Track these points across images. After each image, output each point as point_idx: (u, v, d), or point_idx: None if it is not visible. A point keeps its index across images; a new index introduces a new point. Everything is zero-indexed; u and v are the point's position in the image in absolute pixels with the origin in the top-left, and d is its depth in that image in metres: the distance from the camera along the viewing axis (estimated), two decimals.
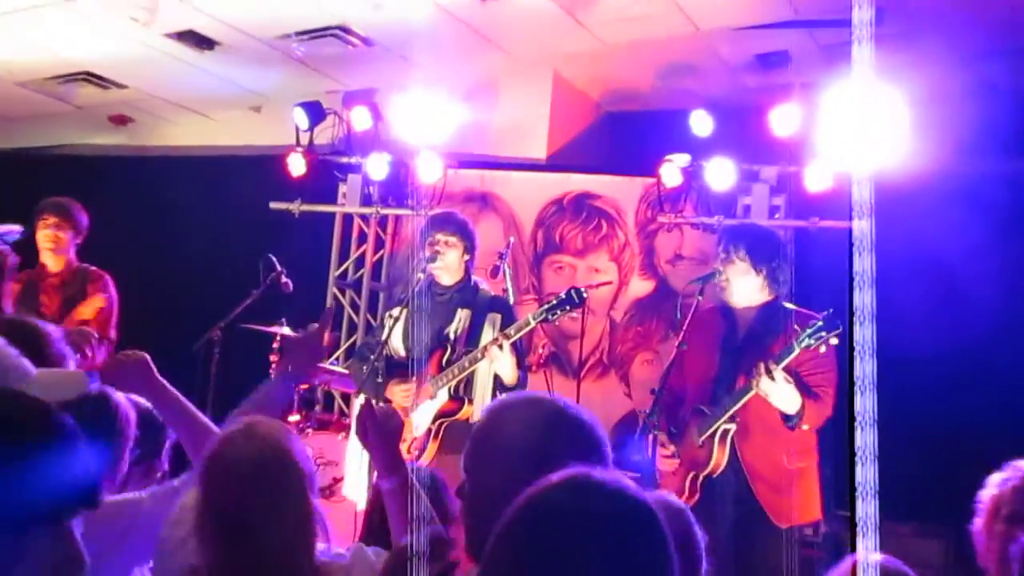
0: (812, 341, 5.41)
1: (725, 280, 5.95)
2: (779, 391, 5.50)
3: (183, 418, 3.54)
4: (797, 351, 5.46)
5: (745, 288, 5.95)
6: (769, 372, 5.43)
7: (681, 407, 6.04)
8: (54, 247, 7.57)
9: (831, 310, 5.40)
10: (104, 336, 7.33)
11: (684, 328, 5.86)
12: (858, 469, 1.82)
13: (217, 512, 2.97)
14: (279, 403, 3.76)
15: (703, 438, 5.79)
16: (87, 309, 7.33)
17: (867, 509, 1.81)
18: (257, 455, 3.01)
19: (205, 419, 3.58)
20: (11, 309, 7.44)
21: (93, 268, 7.70)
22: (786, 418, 5.61)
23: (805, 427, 5.62)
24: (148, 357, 3.62)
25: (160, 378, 3.60)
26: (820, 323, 5.40)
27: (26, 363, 2.69)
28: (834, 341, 5.34)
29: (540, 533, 2.01)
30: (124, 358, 3.64)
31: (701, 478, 5.80)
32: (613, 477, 2.09)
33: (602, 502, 2.02)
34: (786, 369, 5.49)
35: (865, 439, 1.82)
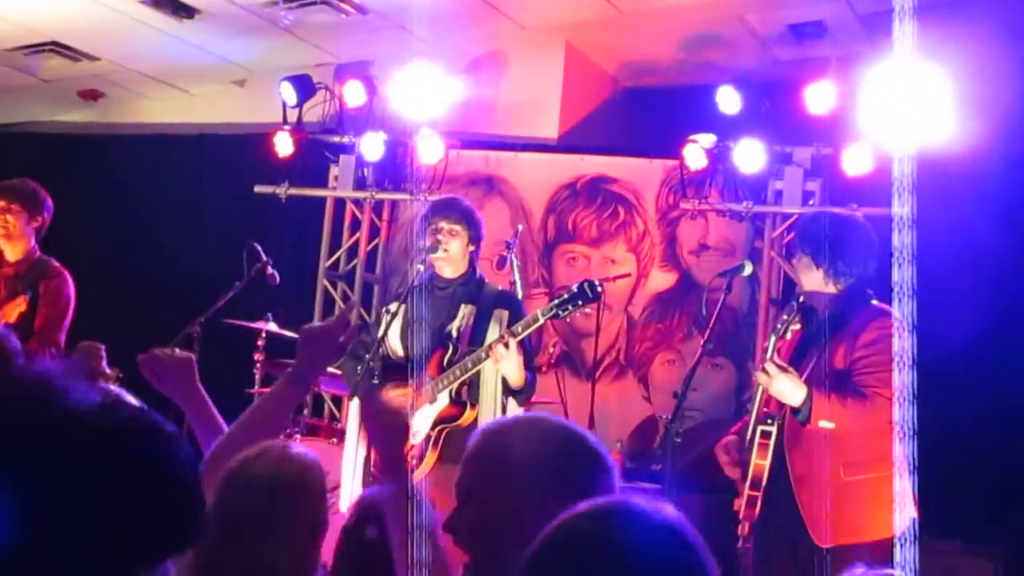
0: (781, 326, 5.46)
1: (799, 278, 5.99)
2: (775, 384, 5.49)
3: (212, 432, 3.55)
4: (774, 339, 5.54)
5: (810, 282, 5.91)
6: (763, 368, 5.45)
7: (682, 411, 5.98)
8: (9, 233, 7.52)
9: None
10: (51, 341, 7.29)
11: (711, 326, 5.82)
12: (895, 446, 1.84)
13: (227, 531, 3.00)
14: (290, 409, 3.75)
15: (746, 441, 5.77)
16: (10, 312, 7.23)
17: (906, 522, 1.83)
18: (276, 475, 3.05)
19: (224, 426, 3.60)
20: None
21: (54, 263, 7.63)
22: (794, 412, 5.59)
23: (825, 424, 5.54)
24: (194, 358, 3.64)
25: (199, 385, 3.62)
26: (797, 313, 5.44)
27: None
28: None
29: (576, 569, 2.01)
30: (169, 354, 3.66)
31: (749, 486, 5.78)
32: (655, 507, 2.09)
33: (644, 536, 2.01)
34: (839, 364, 5.47)
35: (904, 415, 1.84)
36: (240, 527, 3.03)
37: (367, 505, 3.65)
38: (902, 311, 2.04)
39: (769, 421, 5.68)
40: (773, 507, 5.67)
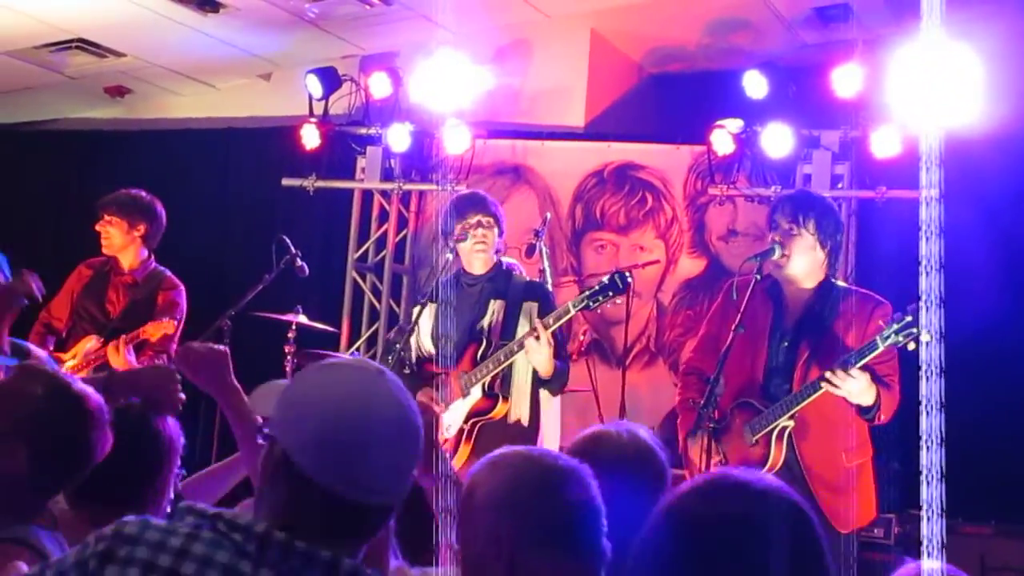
0: (900, 338, 5.32)
1: (785, 256, 5.86)
2: (856, 386, 5.47)
3: (245, 424, 3.57)
4: (881, 348, 5.37)
5: (806, 266, 5.89)
6: (848, 373, 5.40)
7: (712, 394, 5.90)
8: (111, 244, 7.73)
9: (919, 303, 5.29)
10: (164, 351, 7.47)
11: (741, 310, 5.78)
12: (923, 455, 1.85)
13: None
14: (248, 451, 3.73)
15: (758, 436, 5.75)
16: (154, 331, 7.38)
17: (933, 494, 1.84)
18: None
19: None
20: (78, 294, 7.71)
21: (169, 275, 7.86)
22: (863, 411, 5.58)
23: (882, 419, 5.60)
24: (228, 353, 3.68)
25: (233, 378, 3.65)
26: (909, 317, 5.30)
27: None
28: (925, 338, 5.17)
29: (690, 543, 2.01)
30: (204, 348, 3.70)
31: None
32: (755, 476, 2.10)
33: (750, 504, 2.02)
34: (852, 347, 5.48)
35: (931, 390, 1.86)
36: None
37: None
38: (928, 287, 2.04)
39: (793, 417, 5.67)
40: None
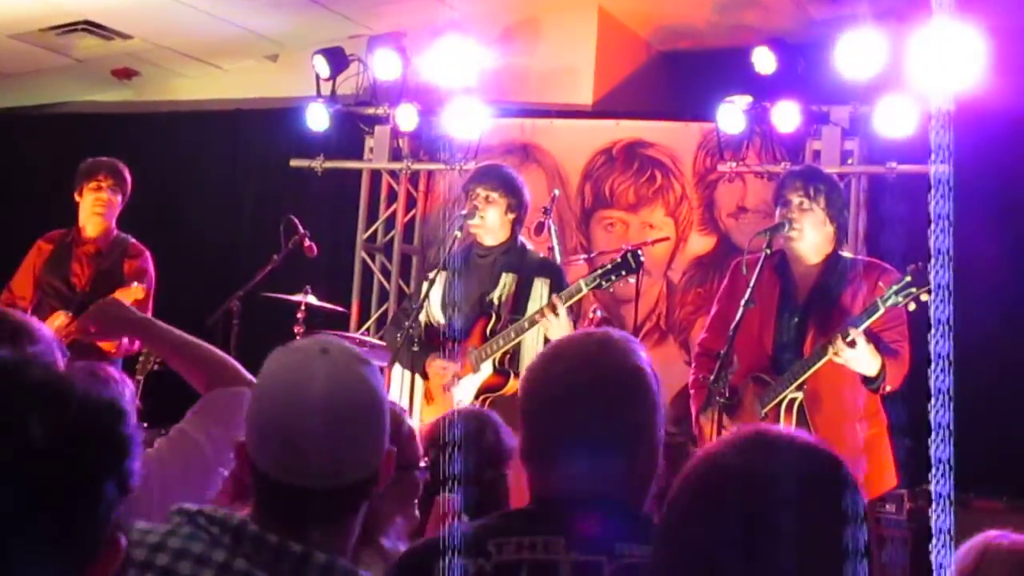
0: (900, 299, 5.30)
1: (796, 231, 5.86)
2: (859, 355, 5.45)
3: (180, 349, 3.56)
4: (882, 310, 5.36)
5: (816, 241, 5.89)
6: (849, 339, 5.38)
7: (724, 371, 5.91)
8: (105, 211, 7.54)
9: (920, 263, 5.29)
10: None
11: (752, 285, 5.78)
12: (933, 414, 1.84)
13: None
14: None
15: (767, 409, 5.75)
16: (125, 299, 7.26)
17: (942, 455, 1.84)
18: None
19: (208, 347, 3.56)
20: (40, 269, 7.53)
21: (133, 241, 7.65)
22: (868, 381, 5.58)
23: (888, 388, 5.60)
24: (115, 299, 3.74)
25: (139, 313, 3.70)
26: (908, 278, 5.31)
27: None
28: (925, 297, 5.18)
29: (731, 499, 2.00)
30: (94, 310, 3.72)
31: None
32: (789, 433, 2.10)
33: (787, 460, 2.01)
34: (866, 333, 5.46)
35: (941, 384, 1.85)
36: None
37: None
38: (938, 269, 2.04)
39: (803, 388, 5.67)
40: None
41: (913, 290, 5.23)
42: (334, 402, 2.38)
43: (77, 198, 7.56)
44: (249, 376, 3.27)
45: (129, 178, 7.63)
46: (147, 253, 7.60)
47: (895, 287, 5.31)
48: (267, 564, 2.29)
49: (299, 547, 2.30)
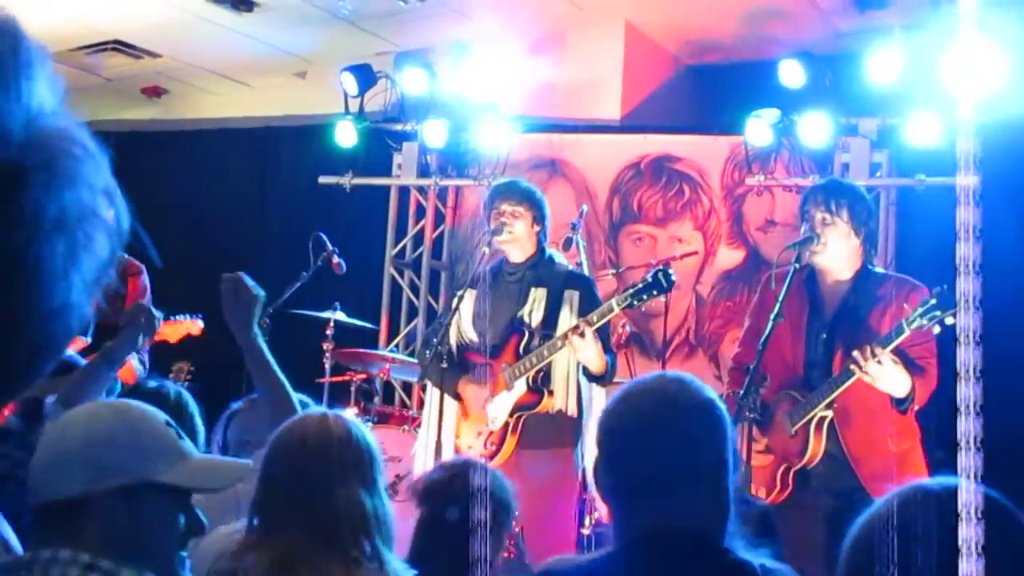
0: (925, 321, 5.26)
1: (822, 245, 5.83)
2: (887, 375, 5.41)
3: (265, 375, 3.67)
4: (907, 332, 5.33)
5: (842, 254, 5.86)
6: (876, 357, 5.35)
7: (757, 387, 5.91)
8: None
9: (945, 286, 5.24)
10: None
11: (780, 299, 5.76)
12: (960, 421, 1.84)
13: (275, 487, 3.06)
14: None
15: (796, 427, 5.74)
16: (172, 333, 7.25)
17: (968, 463, 1.84)
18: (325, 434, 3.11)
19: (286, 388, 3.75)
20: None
21: (131, 259, 7.70)
22: (897, 403, 5.55)
23: (917, 408, 5.58)
24: (260, 299, 3.80)
25: (256, 325, 3.76)
26: (933, 300, 5.26)
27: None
28: (950, 321, 5.12)
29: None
30: (242, 285, 3.93)
31: (794, 471, 5.76)
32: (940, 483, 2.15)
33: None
34: (894, 352, 5.43)
35: (967, 393, 1.85)
36: None
37: (442, 487, 3.73)
38: (965, 285, 2.03)
39: (832, 406, 5.65)
40: (823, 487, 5.70)
41: (938, 313, 5.19)
42: (64, 428, 2.72)
43: None
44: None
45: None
46: (143, 267, 7.64)
47: (920, 309, 5.27)
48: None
49: (47, 551, 2.47)
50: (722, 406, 2.73)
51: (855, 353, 5.41)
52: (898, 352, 5.40)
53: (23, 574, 2.43)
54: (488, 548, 3.38)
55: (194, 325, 7.28)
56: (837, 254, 5.83)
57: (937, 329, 5.24)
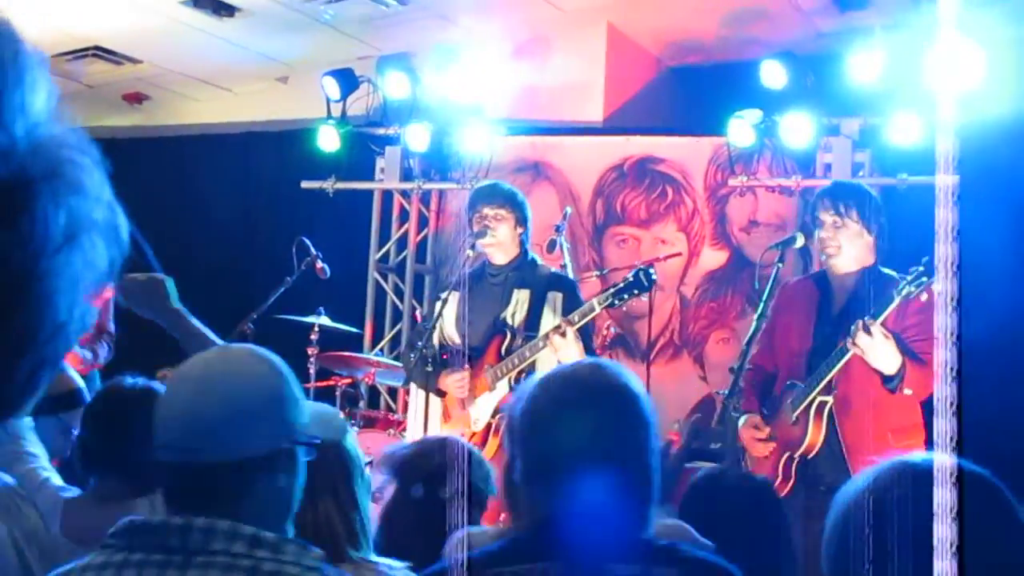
0: (913, 288, 5.33)
1: (836, 247, 5.87)
2: (876, 348, 5.44)
3: (199, 345, 3.60)
4: (897, 300, 5.39)
5: (855, 252, 5.89)
6: (866, 327, 5.38)
7: (773, 386, 6.01)
8: None
9: (928, 257, 5.30)
10: (103, 330, 7.34)
11: (765, 299, 5.80)
12: (936, 421, 1.87)
13: None
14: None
15: (796, 413, 5.76)
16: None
17: (944, 427, 1.87)
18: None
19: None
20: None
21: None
22: (886, 380, 5.57)
23: (907, 391, 5.56)
24: (162, 280, 3.76)
25: (177, 304, 3.73)
26: (921, 268, 5.33)
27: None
28: (937, 288, 5.19)
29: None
30: (143, 278, 3.76)
31: (796, 460, 5.78)
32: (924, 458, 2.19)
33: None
34: (887, 330, 5.46)
35: (945, 392, 1.87)
36: None
37: (409, 465, 3.75)
38: (945, 284, 2.05)
39: (832, 392, 5.68)
40: (817, 480, 5.72)
41: (924, 279, 5.25)
42: (197, 383, 2.52)
43: None
44: None
45: None
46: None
47: (909, 277, 5.33)
48: (200, 545, 2.33)
49: (225, 522, 2.35)
50: (640, 391, 2.73)
51: (851, 328, 5.46)
52: (889, 330, 5.43)
53: (174, 540, 2.32)
54: (465, 522, 3.36)
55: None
56: (850, 253, 5.88)
57: (924, 296, 5.29)
